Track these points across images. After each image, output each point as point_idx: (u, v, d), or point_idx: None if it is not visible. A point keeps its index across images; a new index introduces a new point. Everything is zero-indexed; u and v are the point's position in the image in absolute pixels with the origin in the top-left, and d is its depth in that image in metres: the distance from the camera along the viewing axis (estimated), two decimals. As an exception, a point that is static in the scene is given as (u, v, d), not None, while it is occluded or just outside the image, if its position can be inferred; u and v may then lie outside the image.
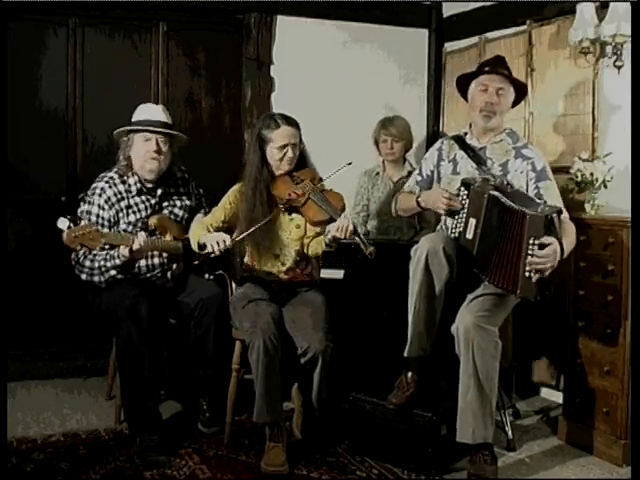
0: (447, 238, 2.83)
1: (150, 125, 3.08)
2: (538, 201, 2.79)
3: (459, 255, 2.78)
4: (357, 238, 2.78)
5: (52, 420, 3.29)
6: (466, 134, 3.08)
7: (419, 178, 3.17)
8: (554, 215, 2.65)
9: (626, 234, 2.85)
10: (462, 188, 2.83)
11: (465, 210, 2.80)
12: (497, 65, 3.00)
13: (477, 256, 2.75)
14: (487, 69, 3.00)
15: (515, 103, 3.06)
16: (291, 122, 3.02)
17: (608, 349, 2.94)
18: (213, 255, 2.88)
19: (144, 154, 3.07)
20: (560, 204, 2.86)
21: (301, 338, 2.87)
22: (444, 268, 2.73)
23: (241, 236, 2.93)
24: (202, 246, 2.94)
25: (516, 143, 2.99)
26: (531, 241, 2.61)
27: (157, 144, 3.08)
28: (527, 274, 2.63)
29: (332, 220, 2.88)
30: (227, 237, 2.89)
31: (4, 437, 2.52)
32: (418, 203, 3.02)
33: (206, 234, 2.97)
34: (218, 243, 2.86)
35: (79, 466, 2.79)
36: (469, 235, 2.77)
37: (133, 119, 3.14)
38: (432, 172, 3.12)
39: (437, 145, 3.16)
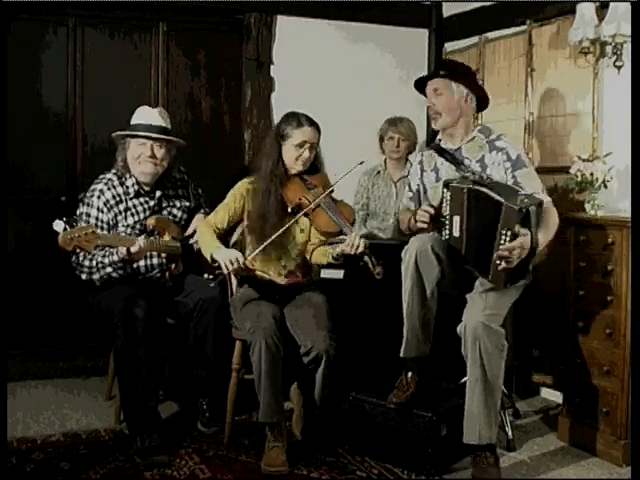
0: (436, 238, 2.84)
1: (146, 129, 3.07)
2: (520, 191, 2.76)
3: (452, 255, 2.79)
4: (366, 257, 2.78)
5: (52, 420, 3.29)
6: (440, 140, 3.09)
7: (410, 194, 3.20)
8: (531, 208, 2.64)
9: (626, 234, 2.85)
10: (444, 189, 2.84)
11: (448, 210, 2.81)
12: (437, 68, 3.07)
13: (467, 252, 2.76)
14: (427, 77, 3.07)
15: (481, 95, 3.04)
16: (313, 123, 3.02)
17: (608, 349, 2.94)
18: (227, 273, 2.88)
19: (139, 158, 3.07)
20: (539, 189, 2.85)
21: (304, 337, 2.87)
22: (434, 267, 2.74)
23: (255, 252, 2.91)
24: (213, 260, 2.93)
25: (489, 137, 2.98)
26: (504, 231, 2.61)
27: (151, 149, 3.07)
28: (497, 262, 2.62)
29: (341, 233, 2.88)
30: (239, 255, 2.87)
31: (4, 437, 2.52)
32: (410, 222, 3.04)
33: (219, 247, 2.95)
34: (232, 262, 2.84)
35: (79, 466, 2.79)
36: (456, 233, 2.78)
37: (131, 122, 3.14)
38: (419, 186, 3.15)
39: (418, 158, 3.19)
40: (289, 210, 2.99)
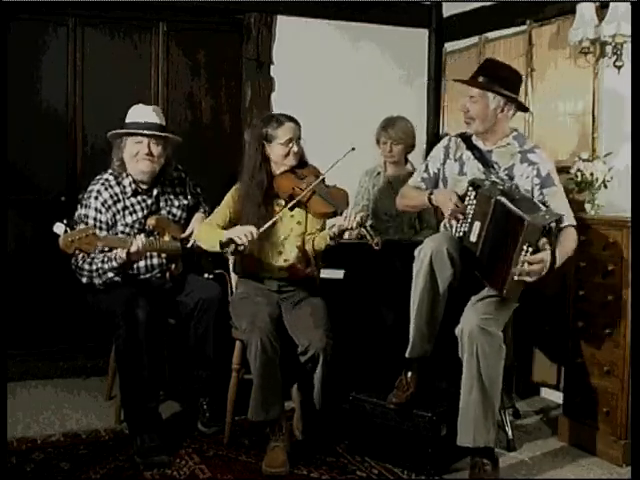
0: (451, 239, 2.81)
1: (141, 127, 3.06)
2: (541, 207, 2.73)
3: (463, 256, 2.77)
4: (363, 229, 2.78)
5: (52, 420, 3.29)
6: (472, 135, 3.00)
7: (425, 175, 3.10)
8: (552, 225, 2.62)
9: (626, 234, 2.85)
10: (470, 188, 2.80)
11: (471, 212, 2.78)
12: (477, 72, 2.94)
13: (479, 259, 2.74)
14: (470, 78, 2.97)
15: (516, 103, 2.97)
16: (293, 119, 3.07)
17: (608, 349, 2.94)
18: (242, 248, 2.84)
19: (136, 156, 3.07)
20: (566, 210, 2.81)
21: (302, 337, 2.87)
22: (447, 269, 2.73)
23: (265, 227, 2.89)
24: (225, 244, 2.89)
25: (522, 146, 2.91)
26: (525, 247, 2.58)
27: (148, 146, 3.06)
28: (515, 277, 2.59)
29: (337, 213, 2.88)
30: (253, 228, 2.86)
31: (4, 437, 2.52)
32: (430, 200, 2.95)
33: (224, 231, 2.94)
34: (246, 235, 2.83)
35: (79, 466, 2.79)
36: (473, 238, 2.75)
37: (126, 121, 3.12)
38: (439, 170, 3.06)
39: (444, 142, 3.09)
40: (283, 203, 3.01)
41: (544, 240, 2.59)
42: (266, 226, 2.90)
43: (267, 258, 3.09)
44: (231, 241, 2.84)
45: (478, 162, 2.93)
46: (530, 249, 2.57)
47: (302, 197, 2.95)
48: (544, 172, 2.85)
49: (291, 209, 3.01)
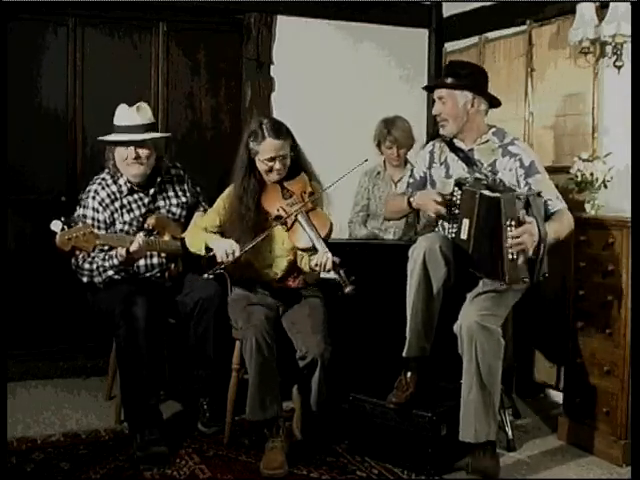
0: (444, 237, 2.83)
1: (125, 131, 3.05)
2: (517, 190, 2.78)
3: (456, 255, 2.78)
4: (337, 275, 2.75)
5: (52, 420, 3.29)
6: (453, 138, 3.03)
7: (411, 180, 3.16)
8: (530, 197, 2.66)
9: (626, 234, 2.85)
10: (456, 188, 2.82)
11: (458, 211, 2.80)
12: (442, 76, 2.99)
13: (472, 255, 2.75)
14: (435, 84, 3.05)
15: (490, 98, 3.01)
16: (279, 134, 2.92)
17: (608, 349, 2.94)
18: (224, 265, 2.87)
19: (125, 160, 3.07)
20: (554, 196, 2.85)
21: (300, 342, 2.87)
22: (441, 267, 2.74)
23: (249, 246, 2.88)
24: (209, 248, 2.92)
25: (502, 141, 2.95)
26: (508, 222, 2.62)
27: (135, 151, 3.06)
28: (510, 257, 2.63)
29: (314, 249, 2.85)
30: (236, 247, 2.87)
31: (4, 437, 2.52)
32: (409, 203, 2.99)
33: (213, 237, 2.95)
34: (227, 254, 2.84)
35: (79, 466, 2.79)
36: (464, 236, 2.77)
37: (113, 122, 3.10)
38: (425, 174, 3.10)
39: (428, 147, 3.14)
40: (272, 222, 2.97)
41: (523, 212, 2.64)
42: (253, 244, 2.88)
43: (258, 271, 3.06)
44: (211, 249, 2.89)
45: (462, 162, 2.96)
46: (513, 223, 2.61)
47: (285, 221, 2.91)
48: (527, 161, 2.88)
49: (281, 224, 2.97)
